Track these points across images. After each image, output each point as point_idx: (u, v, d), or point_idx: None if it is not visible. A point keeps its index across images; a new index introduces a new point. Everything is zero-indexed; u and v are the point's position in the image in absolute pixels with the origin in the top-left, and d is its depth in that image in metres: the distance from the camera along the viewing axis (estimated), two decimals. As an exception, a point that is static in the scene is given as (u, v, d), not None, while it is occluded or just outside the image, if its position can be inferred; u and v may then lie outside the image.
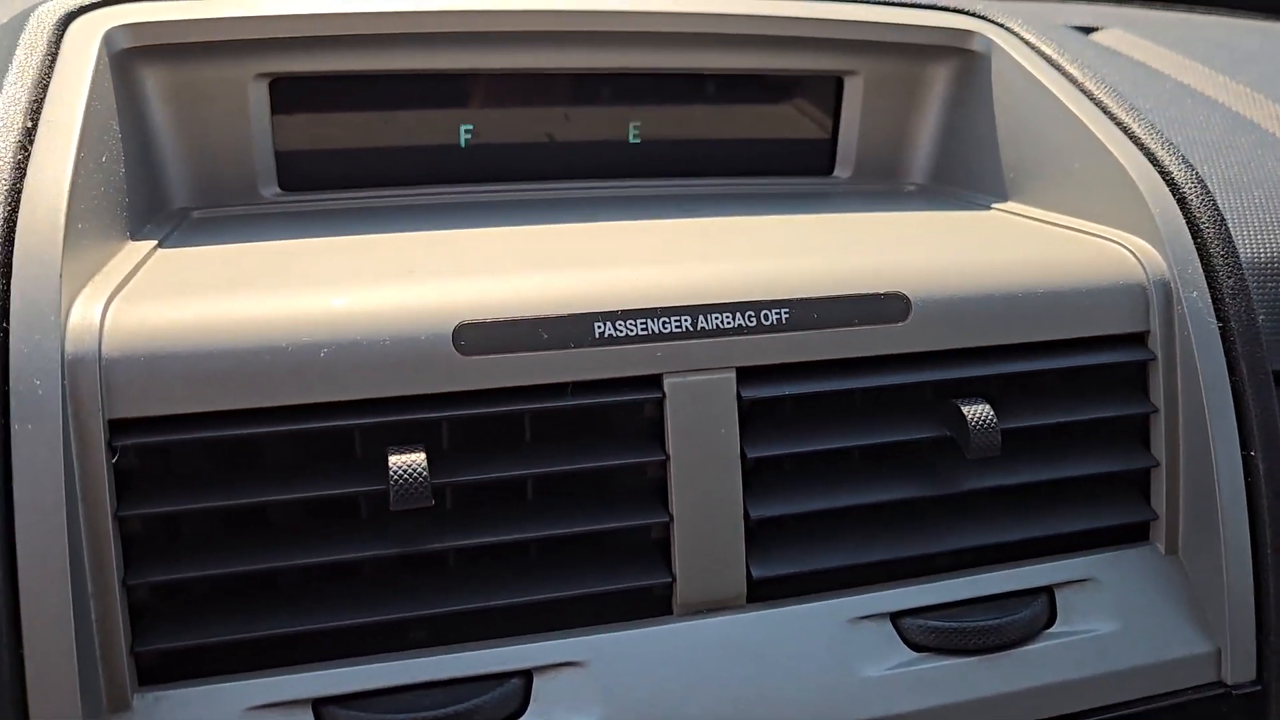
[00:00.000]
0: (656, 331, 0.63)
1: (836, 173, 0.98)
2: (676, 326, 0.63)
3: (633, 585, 0.64)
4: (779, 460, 0.68)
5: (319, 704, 0.59)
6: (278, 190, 0.86)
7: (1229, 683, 0.71)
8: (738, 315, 0.64)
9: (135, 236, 0.72)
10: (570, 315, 0.62)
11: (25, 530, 0.54)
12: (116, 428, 0.57)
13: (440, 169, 0.89)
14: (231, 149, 0.83)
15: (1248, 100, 1.15)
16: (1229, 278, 0.74)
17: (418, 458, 0.58)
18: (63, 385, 0.55)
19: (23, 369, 0.54)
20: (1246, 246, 0.88)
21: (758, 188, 0.95)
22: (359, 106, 0.86)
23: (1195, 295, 0.73)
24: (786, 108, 0.96)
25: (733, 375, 0.64)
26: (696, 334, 0.64)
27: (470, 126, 0.89)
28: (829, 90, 0.95)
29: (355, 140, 0.87)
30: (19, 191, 0.59)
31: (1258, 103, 1.15)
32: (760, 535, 0.67)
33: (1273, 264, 0.88)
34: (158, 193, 0.81)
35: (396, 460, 0.58)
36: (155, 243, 0.71)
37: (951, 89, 0.95)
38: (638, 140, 0.93)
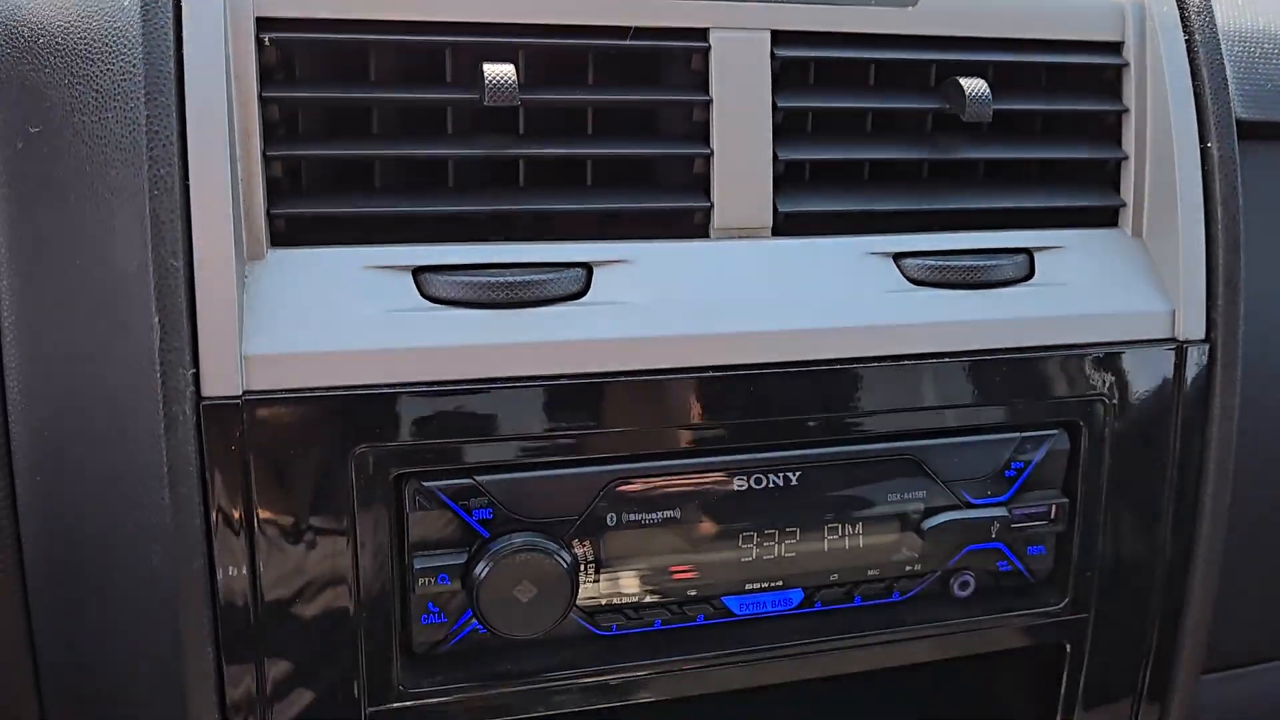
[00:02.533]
0: (706, -10, 0.75)
1: None
2: None
3: (677, 205, 0.76)
4: (804, 115, 0.80)
5: (417, 270, 0.71)
6: None
7: (1181, 338, 0.83)
8: None
9: None
10: None
11: (193, 104, 0.66)
12: (262, 25, 0.69)
13: None
14: None
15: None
16: (1196, -1, 0.85)
17: (507, 68, 0.70)
18: None
19: None
20: (1226, 19, 0.99)
21: None
22: None
23: (1166, 10, 0.84)
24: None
25: (768, 35, 0.76)
26: None
27: None
28: None
29: None
30: None
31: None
32: (787, 178, 0.79)
33: (1243, 32, 1.00)
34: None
35: (490, 69, 0.70)
36: None
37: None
38: None
